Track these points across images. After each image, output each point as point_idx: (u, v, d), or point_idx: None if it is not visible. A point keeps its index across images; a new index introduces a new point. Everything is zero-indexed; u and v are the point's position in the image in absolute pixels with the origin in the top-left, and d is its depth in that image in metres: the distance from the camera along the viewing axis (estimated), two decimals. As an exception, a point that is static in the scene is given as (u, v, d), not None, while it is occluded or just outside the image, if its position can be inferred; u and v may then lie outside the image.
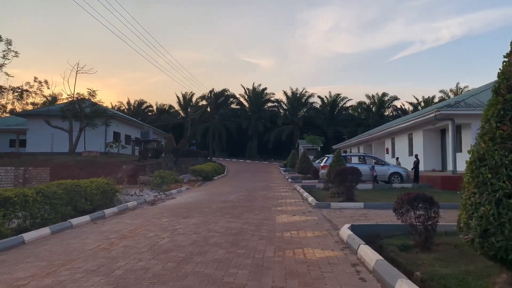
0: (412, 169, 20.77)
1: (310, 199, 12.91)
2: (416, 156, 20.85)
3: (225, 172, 36.99)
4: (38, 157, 28.83)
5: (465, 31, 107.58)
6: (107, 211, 10.92)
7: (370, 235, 7.25)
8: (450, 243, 6.55)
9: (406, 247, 6.49)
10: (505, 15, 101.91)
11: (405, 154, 25.87)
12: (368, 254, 5.21)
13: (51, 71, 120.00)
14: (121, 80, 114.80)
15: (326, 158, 21.47)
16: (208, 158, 51.55)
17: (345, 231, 6.94)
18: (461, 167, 20.04)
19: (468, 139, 19.86)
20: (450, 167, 20.84)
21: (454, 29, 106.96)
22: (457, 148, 20.02)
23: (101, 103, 33.71)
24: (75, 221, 9.21)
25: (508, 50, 4.15)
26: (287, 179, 27.71)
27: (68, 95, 32.20)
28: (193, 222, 9.04)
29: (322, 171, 20.98)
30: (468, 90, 62.36)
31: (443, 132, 23.35)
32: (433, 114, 19.44)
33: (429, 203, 6.37)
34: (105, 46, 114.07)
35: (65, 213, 9.59)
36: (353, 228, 7.23)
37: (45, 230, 8.03)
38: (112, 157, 29.63)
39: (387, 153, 30.28)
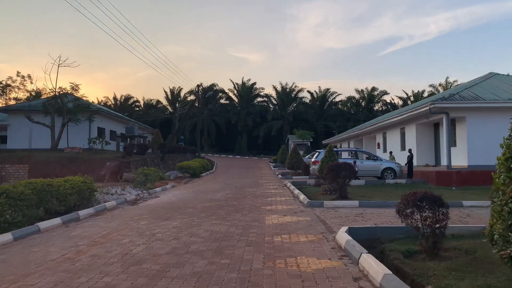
0: (405, 164, 20.18)
1: (302, 197, 12.18)
2: (410, 150, 20.26)
3: (213, 169, 36.15)
4: (18, 154, 27.67)
5: (453, 26, 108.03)
6: (82, 213, 10.04)
7: (370, 239, 6.53)
8: (460, 248, 5.85)
9: (411, 253, 5.77)
10: (492, 10, 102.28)
11: (397, 149, 25.29)
12: (373, 266, 4.47)
13: (34, 66, 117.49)
14: (108, 75, 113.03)
15: (317, 153, 20.77)
16: (197, 154, 50.67)
17: (342, 236, 6.20)
18: (456, 161, 19.58)
19: (463, 133, 19.32)
20: (444, 161, 20.29)
21: (442, 24, 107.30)
22: (452, 142, 19.47)
23: (84, 98, 32.54)
24: (44, 224, 8.34)
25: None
26: (277, 175, 26.99)
27: (50, 89, 30.99)
28: (174, 225, 8.22)
29: (313, 166, 20.28)
30: (458, 84, 62.26)
31: (436, 126, 22.80)
32: (427, 107, 18.83)
33: (437, 204, 5.65)
34: (91, 41, 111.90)
35: (34, 216, 8.73)
36: (350, 231, 6.50)
37: (6, 237, 7.15)
38: (96, 154, 28.59)
39: (378, 148, 29.72)
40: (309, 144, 56.97)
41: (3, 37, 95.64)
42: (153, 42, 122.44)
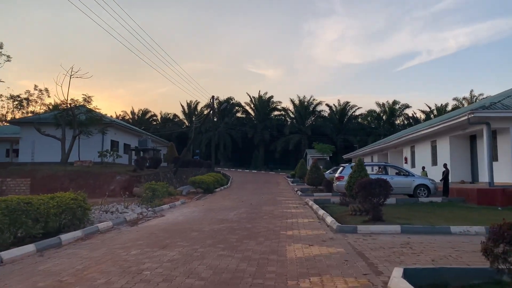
0: (440, 180, 18.06)
1: (329, 219, 10.27)
2: (445, 165, 18.12)
3: (228, 184, 34.41)
4: (25, 167, 26.57)
5: (473, 40, 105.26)
6: (66, 237, 8.38)
7: (435, 285, 4.67)
8: None
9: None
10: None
11: (428, 163, 23.13)
12: None
13: (51, 82, 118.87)
14: (127, 91, 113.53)
15: (342, 168, 18.83)
16: (212, 168, 49.07)
17: (398, 283, 4.35)
18: (498, 178, 17.36)
19: (507, 146, 17.16)
20: (484, 178, 18.10)
21: (461, 39, 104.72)
22: (493, 156, 17.31)
23: (97, 110, 31.41)
24: (10, 253, 6.69)
25: None
26: (296, 191, 25.06)
27: (61, 101, 29.91)
28: (171, 257, 6.46)
29: (337, 183, 18.33)
30: (484, 97, 59.65)
31: (472, 138, 20.65)
32: (466, 117, 16.78)
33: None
34: (111, 57, 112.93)
35: (2, 242, 7.13)
36: (407, 274, 4.64)
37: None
38: (106, 167, 27.23)
39: (406, 162, 27.53)
40: (328, 159, 54.82)
41: (27, 54, 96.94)
42: (172, 58, 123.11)
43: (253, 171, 62.37)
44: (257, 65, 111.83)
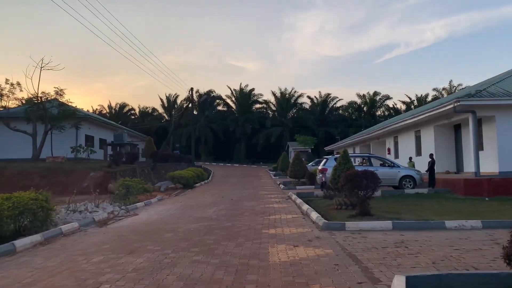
0: (426, 171, 17.62)
1: (314, 215, 9.57)
2: (431, 155, 17.67)
3: (209, 178, 33.54)
4: (-7, 164, 25.14)
5: (450, 32, 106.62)
6: (21, 242, 7.44)
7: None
8: None
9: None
10: (488, 17, 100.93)
11: (412, 154, 22.73)
12: None
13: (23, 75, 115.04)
14: (105, 85, 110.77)
15: (325, 160, 18.20)
16: (192, 162, 48.00)
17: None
18: (484, 168, 17.00)
19: (492, 135, 16.83)
20: (469, 168, 17.79)
21: (438, 31, 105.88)
22: (479, 145, 16.94)
23: (70, 103, 30.01)
24: (-51, 265, 5.76)
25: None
26: (279, 184, 24.39)
27: (31, 94, 28.42)
28: (137, 265, 5.64)
29: (320, 175, 17.70)
30: (463, 88, 60.17)
31: (457, 127, 20.31)
32: (452, 106, 16.33)
33: None
34: (88, 50, 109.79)
35: None
36: (410, 282, 3.95)
37: None
38: (80, 163, 26.02)
39: (389, 153, 27.17)
40: (309, 151, 54.43)
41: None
42: (150, 51, 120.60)
43: (235, 165, 61.56)
44: (237, 58, 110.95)
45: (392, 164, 17.92)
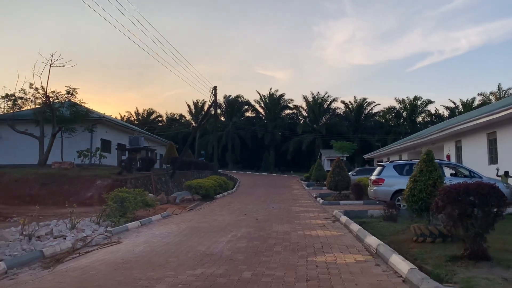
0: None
1: (397, 260, 5.46)
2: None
3: (234, 188, 29.73)
4: (-4, 170, 22.22)
5: (484, 40, 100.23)
6: None
7: None
8: None
9: None
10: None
11: (482, 162, 18.19)
12: None
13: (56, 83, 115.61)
14: (137, 94, 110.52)
15: (381, 168, 13.96)
16: (219, 170, 44.41)
17: None
18: None
19: None
20: None
21: (472, 38, 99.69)
22: None
23: (83, 104, 26.99)
24: None
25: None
26: (315, 197, 20.22)
27: (41, 93, 25.51)
28: None
29: (376, 187, 13.48)
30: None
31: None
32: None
33: None
34: (123, 60, 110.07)
35: None
36: None
37: None
38: (87, 170, 22.81)
39: (448, 160, 22.51)
40: (344, 159, 49.86)
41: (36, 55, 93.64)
42: (180, 59, 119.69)
43: (263, 173, 57.63)
44: (267, 67, 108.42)
45: (471, 174, 13.45)
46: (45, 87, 25.00)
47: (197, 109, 71.52)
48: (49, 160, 24.39)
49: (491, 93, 61.09)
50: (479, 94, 63.45)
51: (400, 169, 13.68)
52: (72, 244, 7.77)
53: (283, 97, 67.02)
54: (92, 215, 11.79)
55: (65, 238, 8.51)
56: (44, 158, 24.55)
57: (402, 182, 12.67)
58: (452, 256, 6.05)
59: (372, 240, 6.99)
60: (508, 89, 59.24)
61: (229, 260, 6.29)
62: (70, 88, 25.16)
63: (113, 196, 12.00)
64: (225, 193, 24.66)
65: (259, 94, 68.57)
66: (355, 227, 8.75)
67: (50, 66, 24.83)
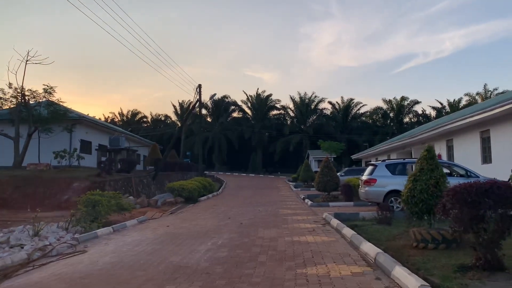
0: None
1: (401, 274, 4.65)
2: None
3: (220, 190, 28.75)
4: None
5: (469, 42, 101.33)
6: None
7: None
8: None
9: None
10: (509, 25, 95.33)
11: (475, 161, 17.60)
12: None
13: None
14: (123, 96, 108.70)
15: (373, 167, 13.20)
16: (206, 172, 43.37)
17: None
18: None
19: None
20: None
21: (457, 40, 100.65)
22: None
23: (61, 103, 25.81)
24: None
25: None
26: (303, 199, 19.42)
27: (17, 91, 24.24)
28: None
29: (367, 188, 12.71)
30: (500, 92, 54.28)
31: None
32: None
33: None
34: (107, 62, 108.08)
35: None
36: None
37: None
38: (64, 172, 21.68)
39: (439, 160, 21.92)
40: (332, 160, 49.25)
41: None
42: (168, 61, 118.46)
43: (250, 174, 56.70)
44: (254, 69, 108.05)
45: (468, 173, 12.78)
46: (21, 85, 23.82)
47: (183, 109, 70.24)
48: (25, 161, 23.24)
49: (477, 93, 61.24)
50: (466, 95, 63.67)
51: (392, 168, 12.95)
52: (27, 254, 6.78)
53: (270, 98, 66.27)
54: (65, 220, 10.79)
55: (22, 247, 7.53)
56: (20, 159, 23.36)
57: (395, 182, 11.97)
58: (461, 265, 5.32)
59: (369, 248, 6.16)
60: (494, 89, 59.52)
61: (205, 274, 5.39)
62: (47, 86, 24.02)
63: (85, 199, 10.98)
64: (210, 195, 23.70)
65: (246, 95, 67.71)
66: (348, 232, 7.92)
67: (26, 63, 23.68)
